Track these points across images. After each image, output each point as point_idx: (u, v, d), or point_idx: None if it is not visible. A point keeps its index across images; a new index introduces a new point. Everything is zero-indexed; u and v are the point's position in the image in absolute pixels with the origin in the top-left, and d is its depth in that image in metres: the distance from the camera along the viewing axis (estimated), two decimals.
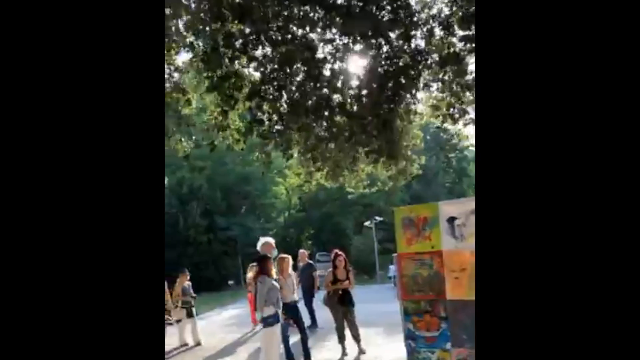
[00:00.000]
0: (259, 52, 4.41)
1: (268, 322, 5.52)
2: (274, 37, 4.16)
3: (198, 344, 8.41)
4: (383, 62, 4.11)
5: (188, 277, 8.83)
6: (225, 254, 26.56)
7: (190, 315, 8.55)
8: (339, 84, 4.34)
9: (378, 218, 25.88)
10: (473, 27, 3.89)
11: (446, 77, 4.72)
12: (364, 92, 4.36)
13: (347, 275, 6.82)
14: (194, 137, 4.85)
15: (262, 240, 6.77)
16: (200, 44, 4.30)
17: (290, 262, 6.87)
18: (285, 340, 6.37)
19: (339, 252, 7.15)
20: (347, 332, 6.72)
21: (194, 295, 8.73)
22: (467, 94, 4.86)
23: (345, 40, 4.06)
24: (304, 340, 6.43)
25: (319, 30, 4.10)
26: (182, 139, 4.77)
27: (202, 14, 3.25)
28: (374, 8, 3.71)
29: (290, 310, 6.33)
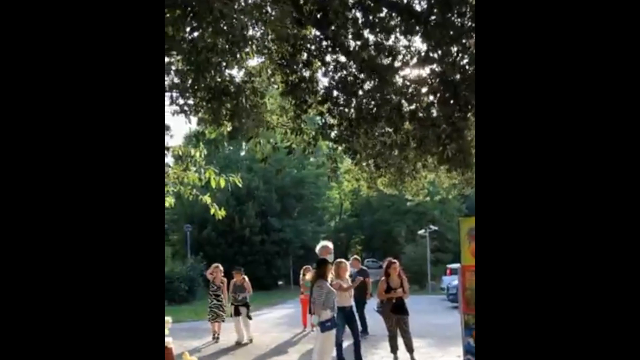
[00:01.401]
0: (329, 58, 4.49)
1: (326, 326, 5.58)
2: (346, 43, 4.23)
3: (250, 341, 8.56)
4: (457, 70, 4.06)
5: (243, 276, 9.00)
6: (277, 254, 27.04)
7: (237, 313, 8.67)
8: (410, 91, 4.33)
9: (432, 227, 25.34)
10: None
11: None
12: (436, 99, 4.32)
13: (402, 284, 6.76)
14: (271, 140, 5.00)
15: (321, 243, 6.87)
16: (274, 48, 4.44)
17: (348, 267, 6.89)
18: (338, 344, 6.40)
19: (393, 260, 7.08)
20: (400, 342, 6.65)
21: (244, 294, 8.79)
22: None
23: (423, 48, 4.05)
24: (356, 346, 6.43)
25: (394, 37, 4.12)
26: (261, 142, 4.93)
27: (280, 20, 3.37)
28: (455, 16, 3.68)
29: (345, 315, 6.36)
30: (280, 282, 28.10)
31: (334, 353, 6.28)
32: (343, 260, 6.97)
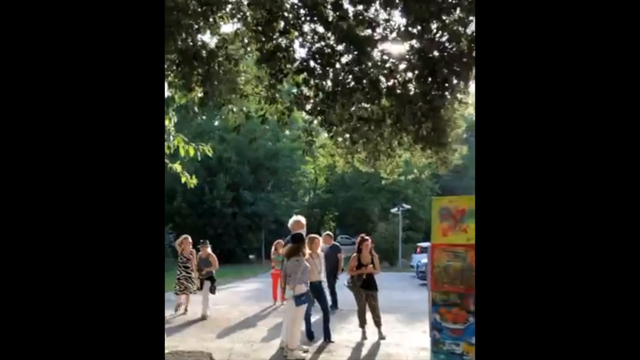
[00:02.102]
0: (307, 28, 4.35)
1: (301, 300, 5.61)
2: (325, 13, 4.08)
3: (203, 317, 8.27)
4: (437, 47, 3.99)
5: (208, 249, 8.91)
6: (249, 228, 26.97)
7: (201, 288, 8.58)
8: (388, 66, 4.25)
9: (405, 206, 25.71)
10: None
11: None
12: (414, 76, 4.26)
13: (372, 260, 6.83)
14: (244, 109, 4.83)
15: (294, 218, 6.83)
16: (249, 13, 4.26)
17: (321, 242, 6.92)
18: (307, 318, 6.45)
19: (365, 237, 7.14)
20: (368, 317, 6.76)
21: (210, 269, 8.68)
22: None
23: (403, 22, 3.94)
24: (325, 320, 6.50)
25: (374, 9, 3.99)
26: (234, 110, 4.76)
27: None
28: None
29: (315, 289, 6.40)
30: (251, 256, 28.16)
31: (303, 327, 6.34)
32: (316, 235, 6.98)
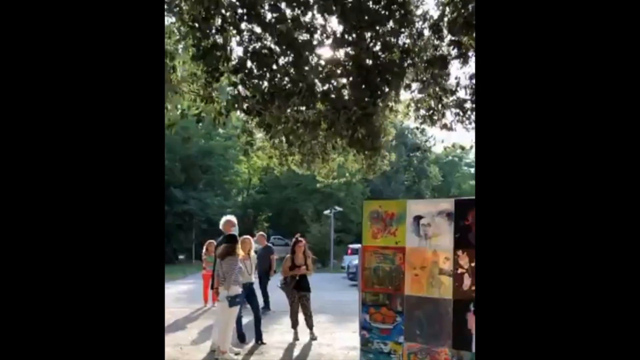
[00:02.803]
0: (245, 27, 4.30)
1: (236, 301, 5.53)
2: (262, 13, 4.07)
3: None
4: (371, 56, 4.12)
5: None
6: (179, 227, 26.06)
7: None
8: (324, 71, 4.32)
9: (337, 208, 26.15)
10: (462, 33, 3.96)
11: (427, 79, 4.80)
12: (348, 82, 4.37)
13: (305, 262, 6.89)
14: (179, 106, 4.65)
15: (225, 218, 6.72)
16: (185, 8, 4.14)
17: (253, 244, 6.87)
18: (238, 320, 6.38)
19: (300, 238, 7.19)
20: (300, 318, 6.81)
21: None
22: (449, 97, 4.96)
23: (339, 29, 4.04)
24: (257, 322, 6.47)
25: (311, 14, 4.05)
26: (168, 107, 4.57)
27: None
28: (371, 2, 3.70)
29: (246, 291, 6.34)
30: (181, 257, 27.24)
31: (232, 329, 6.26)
32: (248, 236, 6.92)
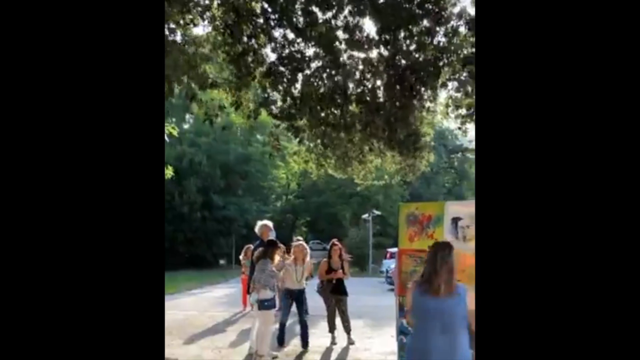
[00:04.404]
0: (277, 33, 4.35)
1: (265, 305, 5.56)
2: (294, 18, 4.09)
3: None
4: (405, 55, 4.05)
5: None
6: (219, 233, 26.59)
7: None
8: (357, 73, 4.29)
9: (376, 212, 25.93)
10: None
11: (464, 77, 4.67)
12: (382, 83, 4.31)
13: (342, 265, 6.83)
14: (214, 99, 4.75)
15: (260, 223, 6.76)
16: (218, 15, 4.22)
17: (307, 251, 6.77)
18: (282, 324, 6.39)
19: (336, 242, 7.14)
20: (337, 322, 6.76)
21: None
22: None
23: (373, 29, 4.00)
24: (302, 327, 6.42)
25: (343, 16, 4.03)
26: (202, 100, 4.65)
27: None
28: (404, 1, 3.64)
29: (294, 296, 6.37)
30: (222, 261, 27.76)
31: (272, 332, 6.28)
32: (302, 242, 6.92)
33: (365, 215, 26.49)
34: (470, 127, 5.60)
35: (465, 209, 3.96)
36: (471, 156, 38.66)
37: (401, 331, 4.43)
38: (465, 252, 3.86)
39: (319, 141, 5.60)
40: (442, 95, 5.62)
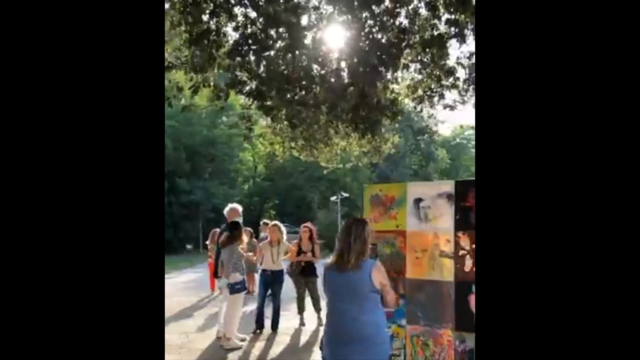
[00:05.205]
0: (239, 11, 4.25)
1: (235, 288, 5.57)
2: None
3: None
4: (366, 37, 4.05)
5: None
6: (185, 217, 26.24)
7: None
8: (320, 54, 4.26)
9: (344, 194, 26.16)
10: (458, 11, 3.88)
11: (427, 59, 4.72)
12: (346, 64, 4.31)
13: (313, 248, 6.89)
14: (172, 81, 4.62)
15: (230, 206, 6.73)
16: None
17: (284, 231, 6.81)
18: (260, 306, 6.41)
19: (306, 225, 7.19)
20: (307, 304, 6.84)
21: None
22: (448, 78, 4.89)
23: (330, 9, 3.95)
24: (275, 310, 6.48)
25: None
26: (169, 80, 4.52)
27: None
28: None
29: (271, 278, 6.41)
30: (188, 246, 27.48)
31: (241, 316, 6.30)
32: (277, 223, 6.95)
33: (333, 198, 26.71)
34: (431, 110, 5.72)
35: (426, 190, 4.04)
36: (437, 137, 39.32)
37: None
38: (427, 232, 3.96)
39: (286, 123, 5.56)
40: (406, 77, 5.68)
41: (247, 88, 4.49)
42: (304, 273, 6.86)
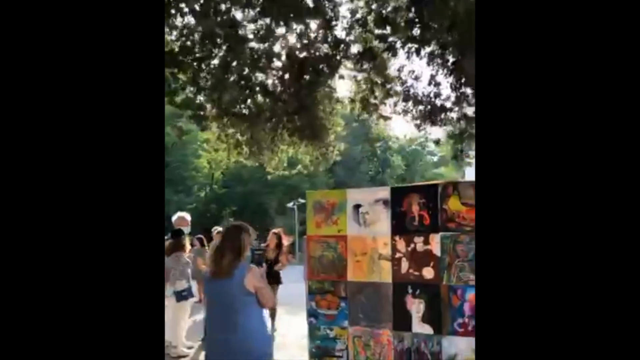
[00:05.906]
0: (179, 22, 4.26)
1: (182, 295, 5.53)
2: (196, 8, 4.01)
3: None
4: (303, 48, 4.16)
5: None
6: None
7: None
8: (260, 64, 4.33)
9: (301, 200, 26.20)
10: (388, 26, 4.06)
11: (362, 72, 4.89)
12: (283, 74, 4.40)
13: (277, 256, 6.77)
14: None
15: (178, 214, 6.65)
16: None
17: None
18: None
19: (276, 231, 7.04)
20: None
21: None
22: (381, 90, 5.08)
23: (267, 21, 4.04)
24: None
25: (240, 7, 4.02)
26: None
27: None
28: None
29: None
30: None
31: (186, 324, 6.23)
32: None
33: (290, 204, 26.68)
34: (375, 119, 5.90)
35: (364, 196, 4.18)
36: (393, 144, 40.09)
37: (310, 314, 4.61)
38: (366, 236, 4.10)
39: (231, 130, 5.59)
40: (344, 86, 5.84)
41: (182, 97, 4.48)
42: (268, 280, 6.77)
